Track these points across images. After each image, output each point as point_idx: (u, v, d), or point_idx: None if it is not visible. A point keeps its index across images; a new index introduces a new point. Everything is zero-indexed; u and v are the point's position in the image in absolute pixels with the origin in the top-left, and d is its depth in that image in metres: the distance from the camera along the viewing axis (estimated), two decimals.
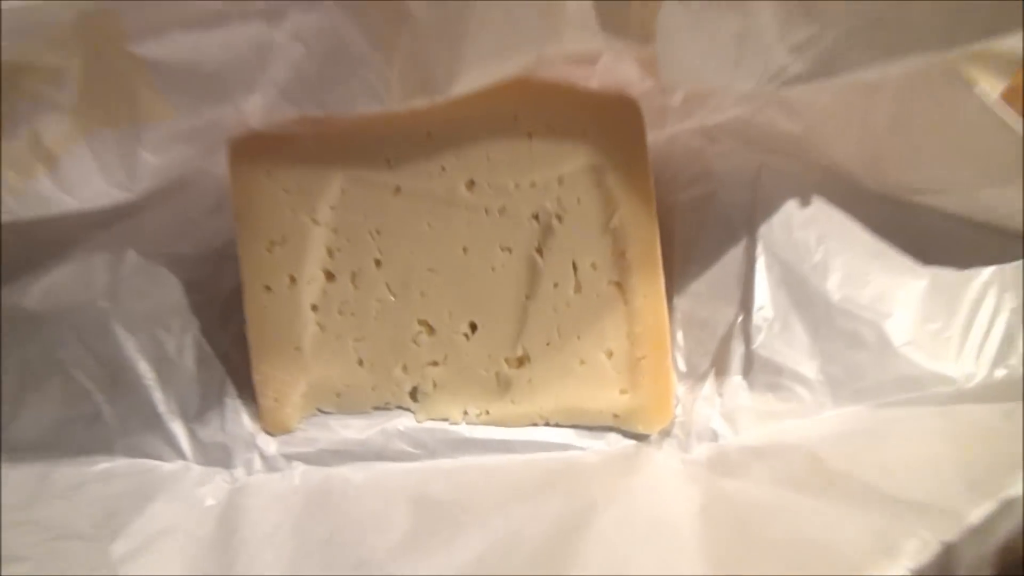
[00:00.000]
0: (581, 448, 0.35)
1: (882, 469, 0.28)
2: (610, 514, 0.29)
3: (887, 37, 0.27)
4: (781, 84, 0.29)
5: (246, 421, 0.36)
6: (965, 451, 0.27)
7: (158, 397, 0.36)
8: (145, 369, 0.36)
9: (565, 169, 0.33)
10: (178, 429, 0.36)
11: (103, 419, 0.35)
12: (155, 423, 0.35)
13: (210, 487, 0.35)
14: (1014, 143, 0.32)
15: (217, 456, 0.36)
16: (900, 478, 0.27)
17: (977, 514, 0.23)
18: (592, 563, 0.27)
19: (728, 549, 0.27)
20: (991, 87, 0.33)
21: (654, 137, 0.38)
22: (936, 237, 0.36)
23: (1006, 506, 0.24)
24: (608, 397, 0.35)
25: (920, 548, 0.23)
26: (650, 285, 0.34)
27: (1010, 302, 0.35)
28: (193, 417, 0.36)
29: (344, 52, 0.29)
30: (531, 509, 0.31)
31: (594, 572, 0.26)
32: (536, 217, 0.34)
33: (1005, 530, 0.24)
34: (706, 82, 0.30)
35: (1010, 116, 0.32)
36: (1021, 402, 0.30)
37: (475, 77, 0.30)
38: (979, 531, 0.23)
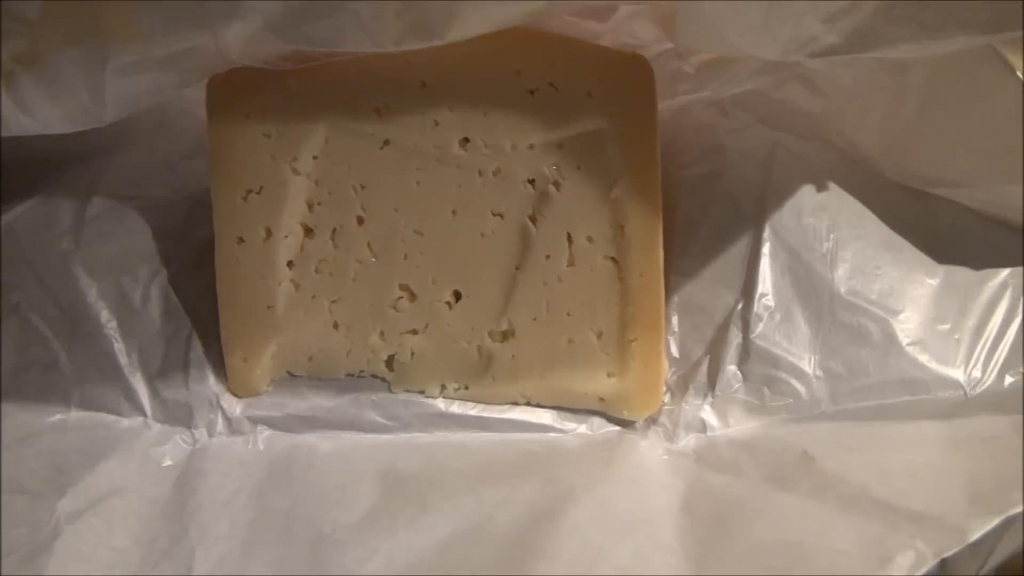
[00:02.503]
0: (562, 431, 0.33)
1: (880, 474, 0.26)
2: (586, 504, 0.27)
3: (929, 15, 0.25)
4: (809, 55, 0.27)
5: (211, 380, 0.34)
6: (968, 462, 0.26)
7: (119, 348, 0.34)
8: (107, 318, 0.34)
9: (567, 132, 0.31)
10: (139, 384, 0.34)
11: (59, 368, 0.33)
12: (115, 376, 0.34)
13: (169, 447, 0.33)
14: None
15: (178, 415, 0.34)
16: (898, 485, 0.25)
17: (978, 530, 0.22)
18: (564, 555, 0.25)
19: (709, 547, 0.25)
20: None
21: (664, 106, 0.36)
22: (954, 233, 0.34)
23: (1008, 524, 0.22)
24: (594, 379, 0.33)
25: (915, 561, 0.22)
26: (648, 263, 0.32)
27: None
28: (155, 372, 0.34)
29: None
30: (505, 493, 0.29)
31: (565, 565, 0.25)
32: (532, 182, 0.32)
33: (1005, 549, 0.22)
34: (727, 47, 0.28)
35: None
36: None
37: (475, 22, 0.28)
38: (978, 548, 0.22)
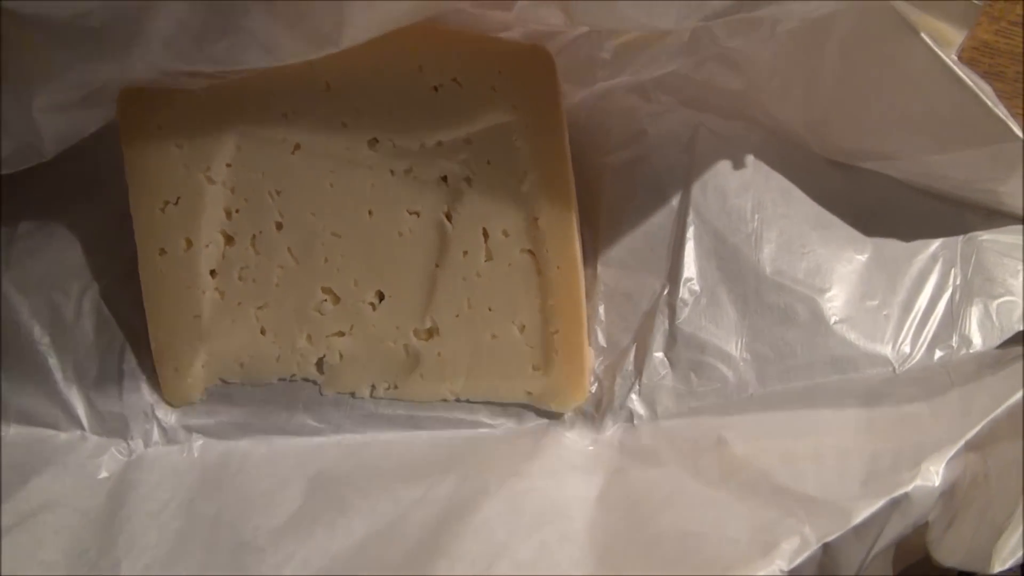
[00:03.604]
0: (491, 426, 0.33)
1: (786, 458, 0.26)
2: (498, 500, 0.27)
3: None
4: (702, 19, 0.26)
5: (146, 390, 0.34)
6: (875, 442, 0.25)
7: (54, 363, 0.34)
8: (40, 334, 0.34)
9: (473, 127, 0.31)
10: (74, 397, 0.34)
11: None
12: (51, 391, 0.34)
13: (105, 459, 0.33)
14: (969, 103, 0.29)
15: (114, 426, 0.34)
16: (799, 468, 0.25)
17: (862, 513, 0.22)
18: (467, 554, 0.25)
19: (615, 540, 0.25)
20: (947, 38, 0.30)
21: (583, 94, 0.36)
22: (884, 206, 0.34)
23: (894, 504, 0.22)
24: (520, 373, 0.33)
25: (798, 548, 0.22)
26: (564, 255, 0.31)
27: (955, 278, 0.32)
28: (91, 385, 0.34)
29: (225, 2, 0.27)
30: (422, 492, 0.29)
31: (467, 564, 0.25)
32: (445, 179, 0.32)
33: (894, 530, 0.22)
34: (624, 20, 0.27)
35: (966, 72, 0.29)
36: (950, 390, 0.28)
37: (367, 26, 0.27)
38: (864, 530, 0.21)
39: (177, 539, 0.29)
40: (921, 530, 0.23)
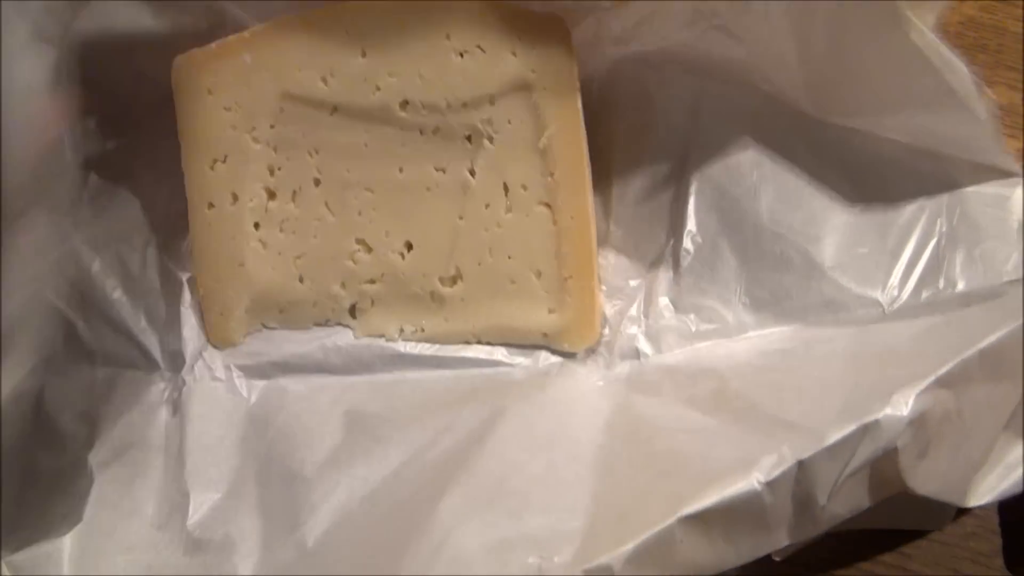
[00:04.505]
0: (510, 364, 0.36)
1: (773, 390, 0.28)
2: (513, 425, 0.30)
3: None
4: None
5: (198, 332, 0.38)
6: (859, 375, 0.28)
7: (127, 312, 0.37)
8: (112, 286, 0.37)
9: (495, 89, 0.34)
10: (148, 339, 0.37)
11: (79, 334, 0.37)
12: (127, 334, 0.37)
13: (171, 395, 0.36)
14: (945, 70, 0.32)
15: (178, 364, 0.37)
16: (784, 399, 0.28)
17: (834, 435, 0.24)
18: (484, 470, 0.28)
19: (615, 460, 0.28)
20: (924, 11, 0.32)
21: (596, 65, 0.39)
22: (873, 162, 0.36)
23: (865, 429, 0.24)
24: (537, 316, 0.36)
25: (775, 463, 0.24)
26: (577, 206, 0.34)
27: (941, 226, 0.35)
28: (160, 327, 0.37)
29: None
30: (448, 421, 0.32)
31: (481, 478, 0.28)
32: (469, 138, 0.35)
33: (865, 453, 0.24)
34: None
35: (941, 41, 0.32)
36: (933, 330, 0.30)
37: None
38: (836, 451, 0.24)
39: (235, 475, 0.33)
40: (893, 457, 0.25)
